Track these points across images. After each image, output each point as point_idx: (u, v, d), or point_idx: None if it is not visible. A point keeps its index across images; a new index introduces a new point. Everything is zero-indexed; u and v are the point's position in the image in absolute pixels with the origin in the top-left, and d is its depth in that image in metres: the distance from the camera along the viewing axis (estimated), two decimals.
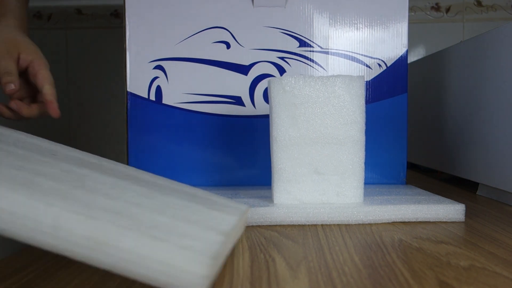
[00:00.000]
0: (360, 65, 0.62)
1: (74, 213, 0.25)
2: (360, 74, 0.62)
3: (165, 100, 0.61)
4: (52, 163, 0.34)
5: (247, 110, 0.61)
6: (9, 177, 0.27)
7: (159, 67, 0.61)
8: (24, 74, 0.54)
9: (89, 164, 0.38)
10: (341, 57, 0.62)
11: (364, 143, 0.46)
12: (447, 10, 1.09)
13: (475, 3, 1.08)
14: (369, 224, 0.44)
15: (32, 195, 0.25)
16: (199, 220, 0.31)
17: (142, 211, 0.29)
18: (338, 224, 0.44)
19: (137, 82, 0.61)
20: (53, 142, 0.44)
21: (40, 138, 0.44)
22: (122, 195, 0.31)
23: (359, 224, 0.44)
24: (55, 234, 0.24)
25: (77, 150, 0.44)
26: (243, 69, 0.61)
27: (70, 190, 0.28)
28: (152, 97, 0.61)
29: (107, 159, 0.43)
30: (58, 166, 0.33)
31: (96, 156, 0.43)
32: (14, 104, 0.53)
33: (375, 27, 0.61)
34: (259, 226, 0.44)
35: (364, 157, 0.46)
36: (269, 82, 0.46)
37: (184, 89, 0.61)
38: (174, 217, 0.29)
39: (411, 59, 1.02)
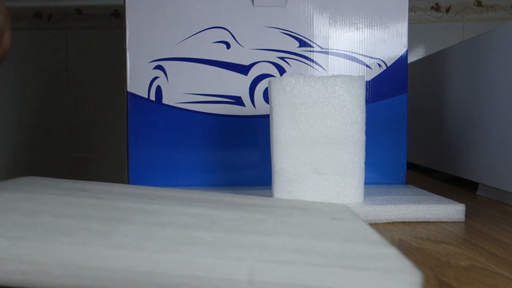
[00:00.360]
0: (360, 65, 0.62)
1: (268, 262, 0.23)
2: (360, 74, 0.62)
3: (165, 100, 0.61)
4: (169, 209, 0.32)
5: (247, 110, 0.61)
6: (174, 238, 0.25)
7: (159, 67, 0.61)
8: None
9: (187, 200, 0.37)
10: (341, 57, 0.62)
11: (365, 143, 0.46)
12: (447, 10, 1.09)
13: (475, 3, 1.08)
14: (369, 224, 0.44)
15: (215, 253, 0.24)
16: (351, 236, 0.30)
17: (306, 241, 0.27)
18: None
19: (137, 82, 0.61)
20: (118, 184, 0.42)
21: (107, 184, 0.42)
22: (272, 229, 0.30)
23: None
24: None
25: (142, 186, 0.42)
26: (243, 69, 0.61)
27: (232, 237, 0.27)
28: (152, 97, 0.61)
29: (173, 189, 0.42)
30: (180, 211, 0.32)
31: (170, 189, 0.42)
32: None
33: (375, 27, 0.61)
34: None
35: (364, 157, 0.46)
36: (269, 82, 0.46)
37: (184, 89, 0.61)
38: (334, 239, 0.28)
39: (411, 59, 1.02)
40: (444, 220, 0.45)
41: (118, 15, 1.11)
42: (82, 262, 0.23)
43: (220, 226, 0.29)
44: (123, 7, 0.61)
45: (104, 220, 0.28)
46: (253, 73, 0.61)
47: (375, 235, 0.30)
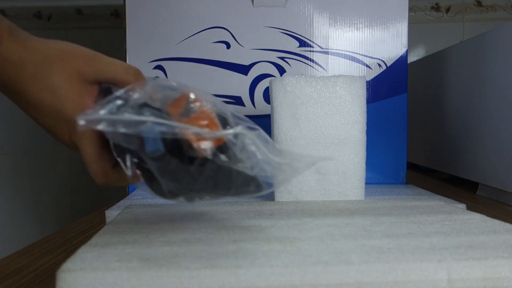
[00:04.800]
0: (360, 65, 0.62)
1: (463, 260, 0.25)
2: (360, 74, 0.62)
3: None
4: (306, 222, 0.33)
5: (247, 110, 0.61)
6: (359, 248, 0.27)
7: (159, 67, 0.61)
8: None
9: (301, 211, 0.38)
10: (341, 57, 0.61)
11: (365, 143, 0.46)
12: (447, 10, 1.09)
13: (475, 3, 1.08)
14: None
15: (413, 257, 0.25)
16: (490, 227, 0.31)
17: (465, 237, 0.29)
18: None
19: None
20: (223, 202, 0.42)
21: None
22: (418, 230, 0.31)
23: None
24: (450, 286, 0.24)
25: (241, 202, 0.43)
26: (243, 69, 0.61)
27: (401, 241, 0.28)
28: None
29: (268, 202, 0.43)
30: (316, 223, 0.33)
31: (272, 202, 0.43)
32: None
33: (375, 27, 0.61)
34: None
35: (365, 157, 0.46)
36: (270, 82, 0.46)
37: None
38: (482, 233, 0.30)
39: (411, 59, 1.02)
40: None
41: (118, 15, 1.11)
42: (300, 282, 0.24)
43: (372, 233, 0.30)
44: (123, 7, 0.61)
45: (279, 240, 0.28)
46: (253, 73, 0.61)
47: (506, 225, 0.32)
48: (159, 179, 0.26)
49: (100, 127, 0.25)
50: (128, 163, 0.26)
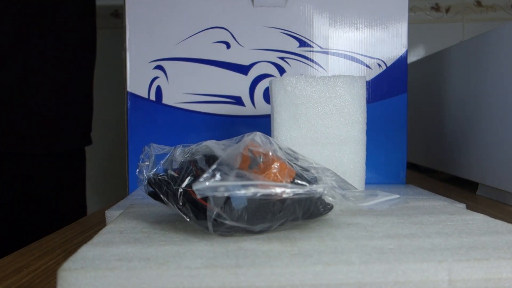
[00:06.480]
0: (360, 65, 0.62)
1: (464, 261, 0.24)
2: (360, 74, 0.62)
3: (165, 100, 0.61)
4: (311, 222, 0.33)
5: (247, 110, 0.61)
6: (360, 249, 0.27)
7: (159, 67, 0.61)
8: None
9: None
10: (341, 57, 0.62)
11: (365, 143, 0.46)
12: (447, 10, 1.09)
13: (475, 3, 1.08)
14: None
15: (413, 258, 0.25)
16: (492, 228, 0.31)
17: (466, 238, 0.29)
18: None
19: (137, 82, 0.61)
20: None
21: None
22: (420, 230, 0.31)
23: None
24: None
25: None
26: (243, 69, 0.61)
27: (403, 242, 0.28)
28: (152, 97, 0.61)
29: None
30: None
31: None
32: None
33: (375, 27, 0.61)
34: None
35: (365, 157, 0.46)
36: (270, 82, 0.46)
37: (184, 89, 0.61)
38: (484, 233, 0.30)
39: (411, 59, 1.02)
40: None
41: (118, 15, 1.11)
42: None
43: (374, 234, 0.30)
44: (123, 7, 0.61)
45: (279, 240, 0.28)
46: (253, 73, 0.61)
47: (508, 225, 0.32)
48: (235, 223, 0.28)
49: (218, 193, 0.27)
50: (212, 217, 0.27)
